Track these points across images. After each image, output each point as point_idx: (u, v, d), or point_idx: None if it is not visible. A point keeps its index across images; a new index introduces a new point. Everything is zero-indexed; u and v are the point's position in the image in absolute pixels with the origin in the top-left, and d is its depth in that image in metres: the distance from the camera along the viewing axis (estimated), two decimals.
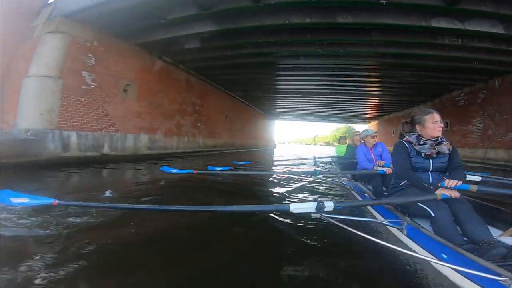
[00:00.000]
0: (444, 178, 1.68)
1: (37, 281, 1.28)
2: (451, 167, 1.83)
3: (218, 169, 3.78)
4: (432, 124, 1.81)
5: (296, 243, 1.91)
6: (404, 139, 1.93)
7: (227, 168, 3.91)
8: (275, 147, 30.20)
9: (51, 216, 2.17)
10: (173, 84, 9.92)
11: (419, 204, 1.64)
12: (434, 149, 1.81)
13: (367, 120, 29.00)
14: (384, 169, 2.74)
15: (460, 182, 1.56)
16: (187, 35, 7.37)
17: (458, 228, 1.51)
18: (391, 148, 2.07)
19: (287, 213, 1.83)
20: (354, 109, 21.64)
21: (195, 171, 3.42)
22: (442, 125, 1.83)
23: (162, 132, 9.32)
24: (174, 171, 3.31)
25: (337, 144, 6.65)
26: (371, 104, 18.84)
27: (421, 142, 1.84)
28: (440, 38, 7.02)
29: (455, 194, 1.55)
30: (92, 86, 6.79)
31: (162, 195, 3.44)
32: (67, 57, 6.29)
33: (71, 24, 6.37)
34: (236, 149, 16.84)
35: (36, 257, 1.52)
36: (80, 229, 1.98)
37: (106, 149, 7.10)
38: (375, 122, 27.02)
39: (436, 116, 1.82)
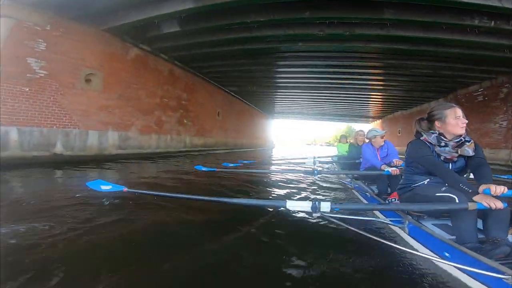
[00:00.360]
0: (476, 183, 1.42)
1: None
2: (475, 164, 1.54)
3: (231, 165, 3.87)
4: (455, 119, 1.57)
5: (296, 241, 1.87)
6: (422, 138, 1.69)
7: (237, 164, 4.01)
8: (273, 147, 28.90)
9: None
10: (152, 75, 8.63)
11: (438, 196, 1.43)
12: (456, 152, 1.57)
13: (370, 119, 27.67)
14: (391, 170, 2.61)
15: (506, 189, 1.25)
16: (162, 15, 6.09)
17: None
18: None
19: (283, 209, 1.70)
20: (357, 106, 20.31)
21: (217, 169, 3.43)
22: (466, 121, 1.58)
23: (138, 129, 8.04)
24: (204, 169, 3.33)
25: (338, 143, 6.53)
26: (375, 101, 17.51)
27: (442, 143, 1.60)
28: (468, 19, 5.69)
29: (499, 205, 1.25)
30: (41, 75, 5.53)
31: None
32: (9, 43, 5.08)
33: (19, 7, 5.22)
34: (230, 149, 15.56)
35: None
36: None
37: (59, 148, 5.83)
38: (379, 122, 25.69)
39: (459, 111, 1.59)
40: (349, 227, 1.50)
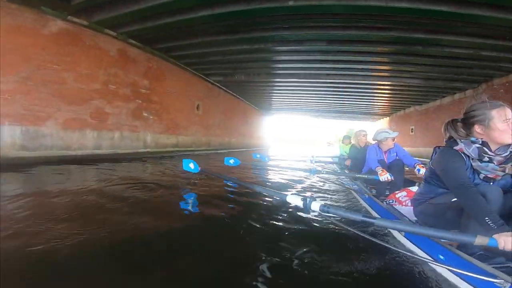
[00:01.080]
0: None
1: None
2: None
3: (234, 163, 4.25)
4: (502, 123, 1.20)
5: (290, 240, 1.85)
6: (457, 147, 1.33)
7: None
8: (269, 148, 26.66)
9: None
10: (88, 55, 6.50)
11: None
12: (503, 170, 1.26)
13: (376, 117, 25.01)
14: (380, 176, 2.59)
15: None
16: None
17: None
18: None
19: (280, 205, 2.17)
20: (361, 102, 17.84)
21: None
22: None
23: (59, 123, 5.95)
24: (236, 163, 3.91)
25: (341, 143, 6.29)
26: (382, 95, 14.99)
27: (485, 159, 1.25)
28: None
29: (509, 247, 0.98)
30: None
31: None
32: None
33: None
34: (214, 149, 13.42)
35: None
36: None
37: None
38: (386, 120, 23.08)
39: (509, 111, 1.21)
40: (344, 226, 1.61)
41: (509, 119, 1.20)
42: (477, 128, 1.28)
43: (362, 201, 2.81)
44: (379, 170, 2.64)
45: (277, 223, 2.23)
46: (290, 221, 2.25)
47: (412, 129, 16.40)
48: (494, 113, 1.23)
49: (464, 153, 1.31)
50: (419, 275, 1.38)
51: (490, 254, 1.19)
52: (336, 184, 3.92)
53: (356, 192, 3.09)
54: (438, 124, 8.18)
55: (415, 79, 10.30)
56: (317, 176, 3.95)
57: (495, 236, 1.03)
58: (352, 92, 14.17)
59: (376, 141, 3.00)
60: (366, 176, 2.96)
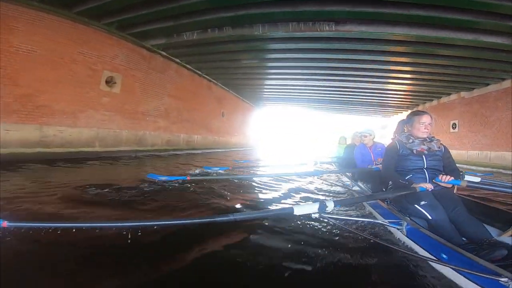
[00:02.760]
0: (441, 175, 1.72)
1: None
2: (448, 169, 1.84)
3: (215, 169, 3.81)
4: (419, 124, 1.88)
5: (295, 243, 1.82)
6: (395, 138, 2.05)
7: (226, 168, 3.98)
8: (259, 147, 21.59)
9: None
10: None
11: (416, 206, 1.66)
12: (424, 145, 1.85)
13: (391, 110, 19.82)
14: (379, 166, 2.68)
15: (451, 178, 1.67)
16: None
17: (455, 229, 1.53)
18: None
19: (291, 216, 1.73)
20: (371, 92, 12.83)
21: (188, 177, 2.90)
22: (428, 128, 1.87)
23: None
24: (164, 178, 2.83)
25: (338, 144, 6.17)
26: (403, 80, 9.94)
27: (411, 140, 1.89)
28: None
29: (429, 186, 1.68)
30: None
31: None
32: None
33: None
34: (155, 150, 8.45)
35: None
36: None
37: None
38: (407, 114, 17.88)
39: (425, 118, 1.87)
40: (349, 228, 1.66)
41: (423, 122, 1.86)
42: (406, 127, 2.00)
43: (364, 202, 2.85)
44: (372, 166, 3.00)
45: (274, 228, 2.09)
46: (289, 226, 2.14)
47: (454, 124, 11.20)
48: (415, 118, 1.90)
49: (397, 142, 1.94)
50: (424, 274, 1.37)
51: (491, 249, 1.27)
52: (337, 184, 3.85)
53: (355, 192, 3.14)
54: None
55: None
56: (320, 178, 3.90)
57: (415, 185, 1.68)
58: (360, 77, 9.16)
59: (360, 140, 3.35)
60: (361, 169, 3.24)
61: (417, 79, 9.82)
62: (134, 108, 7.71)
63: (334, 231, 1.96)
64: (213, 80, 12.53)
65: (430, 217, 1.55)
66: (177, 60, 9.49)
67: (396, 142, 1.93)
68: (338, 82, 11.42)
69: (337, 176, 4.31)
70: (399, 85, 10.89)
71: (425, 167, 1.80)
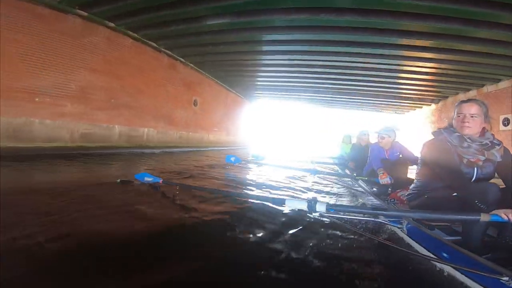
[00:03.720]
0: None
1: None
2: (507, 178, 1.41)
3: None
4: (457, 117, 1.49)
5: (292, 240, 1.78)
6: (441, 137, 1.54)
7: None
8: (252, 145, 18.57)
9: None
10: None
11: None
12: (483, 155, 1.42)
13: (406, 105, 16.50)
14: (384, 180, 2.55)
15: None
16: None
17: None
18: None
19: (281, 207, 1.97)
20: (387, 80, 9.73)
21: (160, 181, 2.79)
22: (468, 121, 1.43)
23: None
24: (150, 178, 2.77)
25: (342, 143, 5.84)
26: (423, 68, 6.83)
27: (465, 144, 1.44)
28: None
29: (506, 216, 1.16)
30: None
31: None
32: None
33: None
34: (82, 146, 5.57)
35: None
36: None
37: None
38: (429, 109, 14.68)
39: (464, 107, 1.45)
40: (348, 226, 1.64)
41: (461, 113, 1.44)
42: (452, 122, 1.51)
43: (364, 201, 2.76)
44: (380, 172, 2.63)
45: (274, 226, 2.03)
46: (289, 223, 2.11)
47: (506, 120, 7.88)
48: (455, 109, 1.50)
49: (448, 141, 1.47)
50: (424, 273, 1.35)
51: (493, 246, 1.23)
52: (338, 184, 3.77)
53: (357, 192, 3.04)
54: None
55: None
56: (320, 177, 3.78)
57: (494, 212, 1.18)
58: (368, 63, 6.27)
59: (377, 140, 3.03)
60: (366, 178, 2.95)
61: (444, 61, 6.61)
62: (8, 83, 4.80)
63: (333, 228, 1.93)
64: (179, 58, 9.55)
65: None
66: (111, 25, 6.56)
67: (448, 143, 1.48)
68: (341, 70, 8.35)
69: (337, 174, 4.12)
70: (418, 68, 7.68)
71: (473, 179, 1.43)
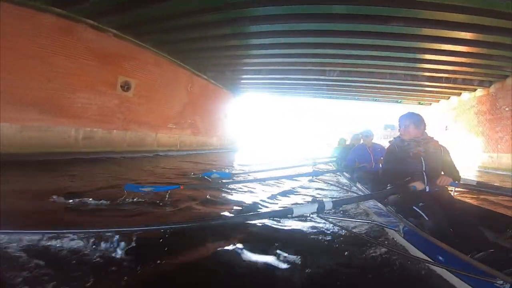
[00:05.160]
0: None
1: None
2: (447, 171, 1.84)
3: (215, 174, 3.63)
4: (403, 128, 1.91)
5: (293, 244, 1.78)
6: (391, 144, 1.98)
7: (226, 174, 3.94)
8: (238, 148, 14.94)
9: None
10: None
11: (414, 208, 1.66)
12: (420, 147, 1.81)
13: (439, 89, 12.23)
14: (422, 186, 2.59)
15: (449, 180, 1.73)
16: None
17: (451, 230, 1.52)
18: None
19: (289, 216, 1.79)
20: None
21: (181, 186, 2.66)
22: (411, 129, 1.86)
23: None
24: (148, 188, 2.48)
25: (337, 146, 6.24)
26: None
27: (405, 143, 1.87)
28: None
29: (421, 185, 1.68)
30: None
31: None
32: None
33: None
34: None
35: None
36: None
37: None
38: (480, 94, 10.43)
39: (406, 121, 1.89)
40: (346, 229, 1.72)
41: (406, 125, 1.87)
42: (399, 131, 1.96)
43: (361, 203, 2.73)
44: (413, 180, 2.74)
45: (272, 228, 2.09)
46: (285, 226, 2.14)
47: None
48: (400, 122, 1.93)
49: (394, 145, 1.92)
50: (419, 276, 1.37)
51: (487, 249, 1.26)
52: (336, 185, 3.75)
53: (354, 193, 3.05)
54: None
55: None
56: (318, 179, 3.79)
57: (413, 183, 1.66)
58: None
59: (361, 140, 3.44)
60: (359, 167, 3.21)
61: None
62: None
63: (331, 232, 1.96)
64: (87, 21, 5.95)
65: (427, 218, 1.56)
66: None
67: (395, 145, 1.93)
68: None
69: (335, 177, 4.39)
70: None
71: (424, 169, 1.78)
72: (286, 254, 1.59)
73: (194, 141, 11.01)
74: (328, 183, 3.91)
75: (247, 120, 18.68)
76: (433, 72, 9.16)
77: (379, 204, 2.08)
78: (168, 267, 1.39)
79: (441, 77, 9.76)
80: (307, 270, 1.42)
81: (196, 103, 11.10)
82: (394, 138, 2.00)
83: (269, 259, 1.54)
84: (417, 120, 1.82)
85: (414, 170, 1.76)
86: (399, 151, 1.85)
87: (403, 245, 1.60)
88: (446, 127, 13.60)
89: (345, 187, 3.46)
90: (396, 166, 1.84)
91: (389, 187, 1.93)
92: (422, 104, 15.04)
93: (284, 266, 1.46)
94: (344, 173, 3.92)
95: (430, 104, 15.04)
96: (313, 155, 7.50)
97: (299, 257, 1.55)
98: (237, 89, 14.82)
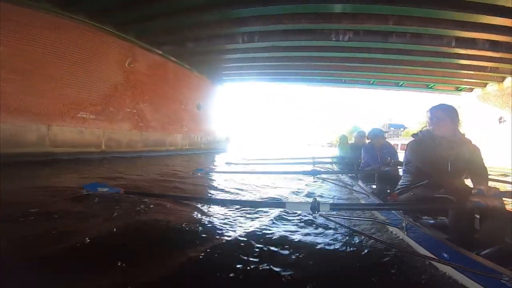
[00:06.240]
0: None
1: None
2: (474, 171, 1.50)
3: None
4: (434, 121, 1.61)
5: (294, 241, 1.72)
6: (418, 137, 1.70)
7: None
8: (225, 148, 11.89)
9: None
10: None
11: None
12: (452, 150, 1.53)
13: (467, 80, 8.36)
14: (389, 168, 2.58)
15: (498, 190, 1.25)
16: None
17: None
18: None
19: (283, 210, 1.93)
20: None
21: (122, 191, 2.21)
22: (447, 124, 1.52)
23: None
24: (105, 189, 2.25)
25: (339, 144, 5.88)
26: None
27: (436, 141, 1.55)
28: None
29: (493, 203, 1.15)
30: None
31: None
32: None
33: None
34: None
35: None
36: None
37: None
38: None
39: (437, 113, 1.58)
40: (349, 227, 1.65)
41: (441, 118, 1.54)
42: (429, 124, 1.61)
43: (364, 201, 2.69)
44: (384, 166, 2.69)
45: (273, 227, 2.00)
46: (288, 224, 2.08)
47: None
48: (432, 114, 1.58)
49: (423, 139, 1.61)
50: (424, 273, 1.32)
51: (493, 246, 1.17)
52: (337, 184, 3.61)
53: (357, 192, 2.96)
54: None
55: None
56: (319, 177, 3.67)
57: (472, 198, 1.15)
58: None
59: (370, 140, 3.12)
60: (367, 171, 3.01)
61: None
62: None
63: (333, 229, 1.90)
64: None
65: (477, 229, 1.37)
66: None
67: (424, 139, 1.64)
68: None
69: (337, 175, 4.22)
70: None
71: (448, 170, 1.52)
72: (285, 252, 1.54)
73: (138, 138, 7.77)
74: (330, 182, 3.73)
75: (234, 115, 15.39)
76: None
77: (380, 201, 2.05)
78: (153, 270, 1.27)
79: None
80: (307, 269, 1.37)
81: (142, 86, 7.89)
82: (420, 131, 1.69)
83: (269, 259, 1.45)
84: (454, 113, 1.52)
85: (437, 172, 1.48)
86: (427, 148, 1.55)
87: (407, 242, 1.57)
88: (501, 118, 9.64)
89: (347, 186, 3.31)
90: (419, 164, 1.61)
91: (416, 185, 1.61)
92: (461, 89, 11.09)
93: (283, 265, 1.38)
94: (346, 170, 3.99)
95: (472, 90, 11.09)
96: (313, 154, 6.95)
97: (299, 255, 1.50)
98: (217, 76, 11.54)
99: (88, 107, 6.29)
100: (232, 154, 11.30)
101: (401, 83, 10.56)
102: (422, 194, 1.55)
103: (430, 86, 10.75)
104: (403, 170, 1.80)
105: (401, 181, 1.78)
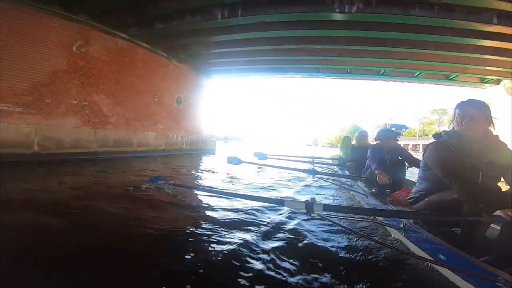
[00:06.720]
0: None
1: None
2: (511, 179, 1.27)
3: None
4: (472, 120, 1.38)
5: (290, 241, 1.72)
6: (442, 139, 1.46)
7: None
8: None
9: None
10: None
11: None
12: (485, 156, 1.33)
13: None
14: (383, 180, 2.35)
15: None
16: None
17: None
18: None
19: (280, 207, 1.93)
20: None
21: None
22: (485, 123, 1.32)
23: None
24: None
25: (341, 144, 5.62)
26: None
27: (466, 146, 1.35)
28: None
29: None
30: None
31: None
32: None
33: None
34: None
35: None
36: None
37: None
38: None
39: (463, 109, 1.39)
40: (346, 228, 1.61)
41: (473, 116, 1.31)
42: (459, 123, 1.37)
43: (363, 202, 2.69)
44: (378, 172, 2.52)
45: (270, 225, 2.00)
46: (286, 222, 2.07)
47: None
48: (461, 111, 1.36)
49: (448, 143, 1.37)
50: (421, 275, 1.30)
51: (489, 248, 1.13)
52: (336, 184, 3.62)
53: (356, 193, 2.97)
54: None
55: None
56: (318, 177, 3.64)
57: (498, 212, 1.01)
58: None
59: (378, 141, 2.88)
60: (364, 178, 2.92)
61: None
62: None
63: (330, 230, 1.88)
64: None
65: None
66: None
67: (449, 142, 1.42)
68: None
69: (336, 175, 4.05)
70: None
71: (479, 181, 1.36)
72: (284, 253, 1.52)
73: (91, 137, 6.18)
74: (329, 182, 3.74)
75: (224, 112, 13.79)
76: None
77: (379, 202, 2.03)
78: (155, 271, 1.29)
79: None
80: (305, 269, 1.36)
81: (98, 75, 6.29)
82: (444, 131, 1.46)
83: (268, 258, 1.45)
84: (489, 111, 1.30)
85: (464, 184, 1.25)
86: (454, 153, 1.32)
87: (405, 244, 1.57)
88: None
89: (346, 186, 3.29)
90: (440, 173, 1.34)
91: (431, 196, 1.44)
92: (486, 81, 9.40)
93: (282, 265, 1.38)
94: (345, 171, 3.91)
95: (499, 82, 9.40)
96: (313, 154, 6.57)
97: (297, 255, 1.49)
98: (203, 66, 9.90)
99: (10, 97, 4.71)
100: (221, 156, 9.70)
101: (417, 73, 8.89)
102: (440, 205, 1.33)
103: (450, 77, 9.06)
104: (419, 177, 1.57)
105: (415, 188, 1.60)
